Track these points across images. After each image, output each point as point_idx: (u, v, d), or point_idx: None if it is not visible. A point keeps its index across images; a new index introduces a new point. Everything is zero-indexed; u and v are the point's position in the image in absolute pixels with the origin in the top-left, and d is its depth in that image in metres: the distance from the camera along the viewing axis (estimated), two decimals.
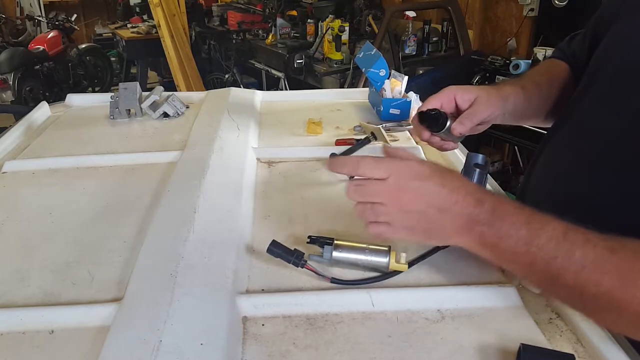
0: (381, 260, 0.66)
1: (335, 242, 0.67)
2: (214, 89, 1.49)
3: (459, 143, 0.92)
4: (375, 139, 1.02)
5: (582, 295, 0.51)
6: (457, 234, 0.57)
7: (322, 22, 3.44)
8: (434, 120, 0.76)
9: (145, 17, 5.17)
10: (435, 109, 0.77)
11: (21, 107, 3.86)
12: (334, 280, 0.65)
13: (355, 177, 0.60)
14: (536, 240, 0.52)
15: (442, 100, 0.78)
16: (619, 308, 0.49)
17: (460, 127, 0.76)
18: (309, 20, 3.70)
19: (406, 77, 1.21)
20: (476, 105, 0.77)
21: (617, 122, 0.70)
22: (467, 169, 0.71)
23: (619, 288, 0.48)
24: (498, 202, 0.55)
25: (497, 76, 2.70)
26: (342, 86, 3.22)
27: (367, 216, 0.59)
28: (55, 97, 4.42)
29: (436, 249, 0.72)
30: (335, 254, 0.66)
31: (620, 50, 0.74)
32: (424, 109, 0.78)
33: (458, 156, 1.00)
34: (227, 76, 4.11)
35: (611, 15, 0.80)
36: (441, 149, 0.83)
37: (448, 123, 0.76)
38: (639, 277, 0.48)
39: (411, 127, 1.17)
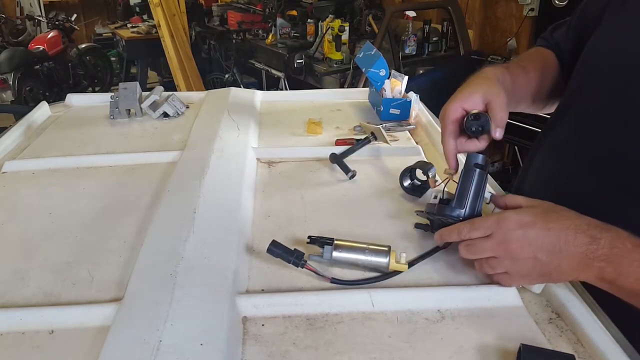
0: (381, 260, 0.66)
1: (335, 242, 0.67)
2: (214, 89, 1.49)
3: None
4: (375, 139, 1.02)
5: None
6: (575, 272, 0.58)
7: (322, 22, 3.44)
8: (481, 127, 0.72)
9: (145, 17, 5.17)
10: (479, 112, 0.72)
11: (21, 107, 3.86)
12: (334, 280, 0.65)
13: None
14: None
15: (474, 105, 0.74)
16: None
17: (499, 133, 0.71)
18: (309, 20, 3.70)
19: (406, 77, 1.21)
20: (497, 109, 0.72)
21: (615, 125, 0.70)
22: (467, 169, 0.71)
23: None
24: (614, 239, 0.56)
25: None
26: (342, 86, 3.21)
27: (486, 270, 0.63)
28: (55, 97, 4.42)
29: (436, 249, 0.72)
30: (335, 254, 0.66)
31: (608, 55, 0.75)
32: (467, 112, 0.73)
33: (458, 156, 1.00)
34: (227, 76, 4.10)
35: (595, 17, 0.81)
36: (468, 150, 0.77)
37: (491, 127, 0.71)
38: None
39: (412, 126, 1.17)
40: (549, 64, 0.91)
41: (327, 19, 3.39)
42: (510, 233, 0.59)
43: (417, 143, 1.10)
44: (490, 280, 0.65)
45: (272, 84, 3.99)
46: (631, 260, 0.55)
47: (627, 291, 0.56)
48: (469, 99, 0.73)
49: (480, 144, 0.74)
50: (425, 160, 0.98)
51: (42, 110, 1.27)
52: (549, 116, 0.93)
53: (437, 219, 0.73)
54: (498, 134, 0.71)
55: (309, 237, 0.69)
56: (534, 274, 0.60)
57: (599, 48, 0.78)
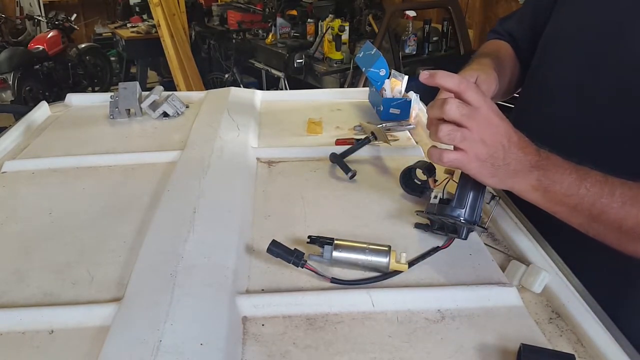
0: (381, 260, 0.66)
1: (335, 242, 0.67)
2: (214, 88, 1.49)
3: None
4: (376, 138, 1.02)
5: (621, 228, 0.59)
6: (515, 175, 0.62)
7: (322, 21, 3.43)
8: None
9: (145, 16, 5.17)
10: None
11: (21, 107, 3.86)
12: (334, 280, 0.65)
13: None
14: (584, 183, 0.60)
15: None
16: None
17: None
18: (309, 19, 3.69)
19: (406, 77, 1.21)
20: (481, 84, 0.80)
21: (586, 113, 0.74)
22: None
23: None
24: (550, 153, 0.62)
25: None
26: (342, 86, 3.21)
27: (452, 137, 0.61)
28: (55, 96, 4.42)
29: (436, 249, 0.72)
30: (335, 254, 0.66)
31: (558, 42, 0.80)
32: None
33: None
34: (226, 76, 4.10)
35: (547, 7, 0.85)
36: None
37: None
38: None
39: (412, 126, 1.17)
40: (509, 54, 0.94)
41: (327, 19, 3.39)
42: (494, 116, 0.61)
43: (417, 143, 1.10)
44: (441, 158, 0.62)
45: (272, 84, 3.99)
46: (563, 169, 0.61)
47: (558, 198, 0.61)
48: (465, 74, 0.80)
49: None
50: (426, 160, 0.98)
51: (42, 110, 1.27)
52: None
53: (437, 219, 0.73)
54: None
55: (309, 237, 0.69)
56: (487, 163, 0.61)
57: (551, 36, 0.83)
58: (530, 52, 0.90)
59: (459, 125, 0.60)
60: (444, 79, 0.61)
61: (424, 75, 0.62)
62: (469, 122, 0.60)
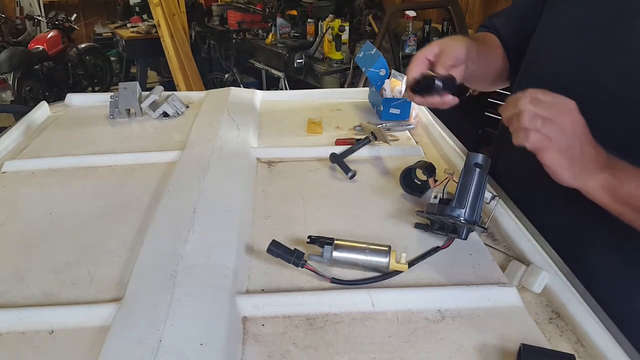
0: (381, 260, 0.66)
1: (335, 242, 0.67)
2: (214, 88, 1.49)
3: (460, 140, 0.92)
4: (376, 138, 1.02)
5: None
6: (589, 171, 0.63)
7: (322, 21, 3.43)
8: (426, 87, 0.79)
9: (145, 16, 5.16)
10: (422, 75, 0.80)
11: (21, 107, 3.86)
12: (334, 280, 0.65)
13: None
14: None
15: (419, 66, 0.82)
16: None
17: (441, 70, 0.79)
18: (309, 19, 3.69)
19: (406, 77, 1.21)
20: (445, 50, 0.81)
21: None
22: (467, 169, 0.71)
23: None
24: (616, 158, 0.64)
25: None
26: (342, 86, 3.21)
27: (537, 124, 0.62)
28: (55, 96, 4.41)
29: (436, 249, 0.72)
30: (335, 254, 0.66)
31: (545, 45, 0.82)
32: (411, 80, 0.82)
33: (458, 156, 1.00)
34: (227, 76, 4.10)
35: (534, 9, 0.86)
36: (444, 104, 0.84)
37: (436, 82, 0.78)
38: None
39: (412, 126, 1.17)
40: (495, 44, 0.96)
41: (327, 19, 3.39)
42: (575, 111, 0.62)
43: (417, 143, 1.10)
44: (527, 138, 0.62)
45: (272, 84, 3.99)
46: (631, 171, 0.62)
47: (625, 199, 0.62)
48: (428, 48, 0.83)
49: (446, 98, 0.80)
50: (426, 160, 0.98)
51: (42, 110, 1.27)
52: None
53: (437, 219, 0.73)
54: (441, 71, 0.79)
55: (309, 237, 0.69)
56: (567, 154, 0.62)
57: (545, 33, 0.84)
58: (515, 52, 0.91)
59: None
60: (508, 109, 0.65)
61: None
62: (550, 111, 0.62)
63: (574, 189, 0.63)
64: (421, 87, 0.80)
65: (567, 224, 0.76)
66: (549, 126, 0.61)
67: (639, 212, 0.62)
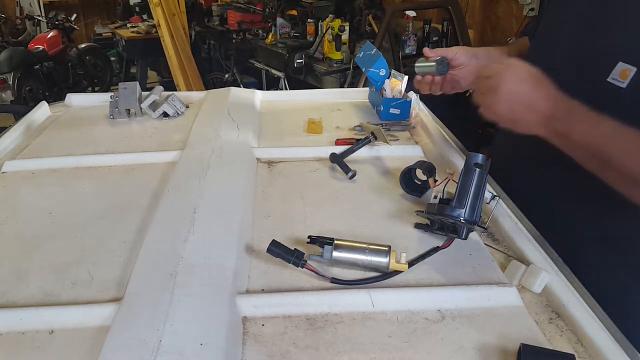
0: (381, 260, 0.66)
1: (335, 242, 0.67)
2: (214, 88, 1.49)
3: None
4: (376, 138, 1.02)
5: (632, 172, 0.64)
6: (534, 127, 0.71)
7: (322, 21, 3.43)
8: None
9: (145, 16, 5.16)
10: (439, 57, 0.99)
11: (21, 107, 3.85)
12: (334, 280, 0.65)
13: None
14: (598, 128, 0.66)
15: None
16: None
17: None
18: (309, 19, 3.69)
19: (406, 77, 1.21)
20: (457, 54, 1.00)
21: None
22: (467, 169, 0.71)
23: None
24: (572, 101, 0.69)
25: None
26: (342, 86, 3.21)
27: (482, 99, 0.76)
28: (55, 96, 4.41)
29: (436, 249, 0.72)
30: (335, 254, 0.66)
31: (540, 46, 0.89)
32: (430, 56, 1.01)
33: (458, 156, 1.00)
34: (227, 76, 4.10)
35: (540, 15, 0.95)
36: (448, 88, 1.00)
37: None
38: None
39: (412, 126, 1.17)
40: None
41: (327, 19, 3.39)
42: (502, 80, 0.73)
43: (417, 143, 1.10)
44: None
45: (272, 84, 3.99)
46: (581, 115, 0.67)
47: (574, 143, 0.68)
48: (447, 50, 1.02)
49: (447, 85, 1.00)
50: (425, 160, 0.98)
51: (42, 110, 1.27)
52: None
53: (437, 219, 0.73)
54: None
55: (309, 237, 0.69)
56: (508, 115, 0.73)
57: (539, 31, 0.92)
58: None
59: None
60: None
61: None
62: (483, 85, 0.76)
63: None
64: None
65: (561, 212, 0.80)
66: (486, 97, 0.75)
67: (587, 154, 0.67)
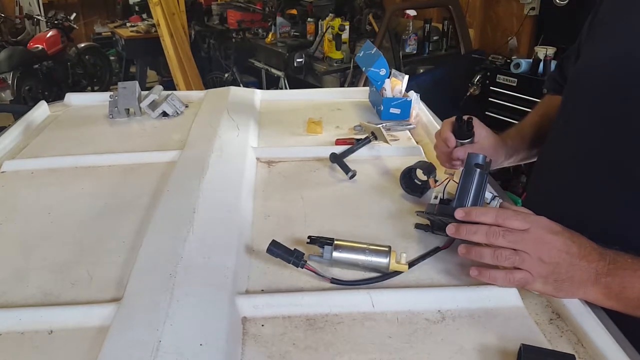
0: (381, 260, 0.66)
1: (335, 242, 0.67)
2: (214, 88, 1.49)
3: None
4: (376, 138, 1.02)
5: None
6: (584, 286, 0.60)
7: (322, 20, 3.43)
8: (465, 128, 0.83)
9: (144, 16, 5.16)
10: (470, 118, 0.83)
11: (20, 107, 3.85)
12: (334, 281, 0.65)
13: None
14: None
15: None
16: None
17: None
18: (309, 19, 3.69)
19: (406, 77, 1.21)
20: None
21: (615, 143, 0.71)
22: (468, 169, 0.71)
23: None
24: (616, 255, 0.61)
25: (497, 75, 2.70)
26: (342, 85, 3.21)
27: (512, 261, 0.61)
28: (54, 96, 4.41)
29: (436, 249, 0.72)
30: (335, 254, 0.66)
31: (593, 74, 0.77)
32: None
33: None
34: (226, 75, 4.09)
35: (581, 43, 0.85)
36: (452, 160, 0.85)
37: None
38: None
39: (412, 126, 1.17)
40: (554, 109, 0.89)
41: (327, 18, 3.39)
42: (546, 234, 0.61)
43: (417, 143, 1.10)
44: (496, 279, 0.62)
45: (272, 83, 3.99)
46: (634, 271, 0.59)
47: (633, 304, 0.59)
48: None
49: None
50: (426, 160, 0.98)
51: (41, 110, 1.27)
52: None
53: (437, 219, 0.73)
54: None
55: (309, 237, 0.69)
56: (550, 279, 0.60)
57: (577, 70, 0.82)
58: None
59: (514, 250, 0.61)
60: (481, 217, 0.63)
61: (460, 214, 0.64)
62: (521, 246, 0.61)
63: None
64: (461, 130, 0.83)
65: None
66: (524, 262, 0.60)
67: None
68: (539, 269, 0.60)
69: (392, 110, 1.19)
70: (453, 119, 0.84)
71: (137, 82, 1.24)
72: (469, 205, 0.68)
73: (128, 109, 1.22)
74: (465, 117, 0.83)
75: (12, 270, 0.69)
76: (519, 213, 0.63)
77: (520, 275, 0.61)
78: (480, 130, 0.85)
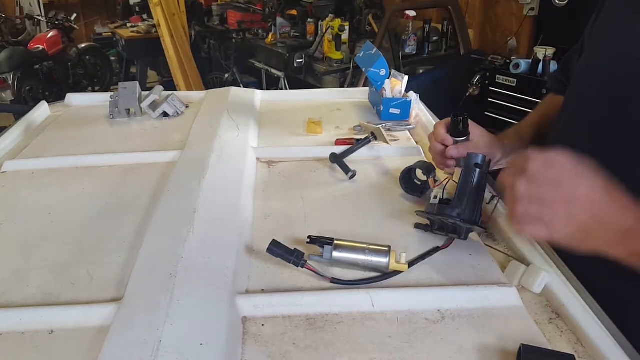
0: (381, 260, 0.66)
1: (335, 242, 0.67)
2: (214, 88, 1.49)
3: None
4: (376, 138, 1.02)
5: None
6: (608, 247, 0.56)
7: (322, 21, 3.43)
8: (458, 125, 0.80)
9: (145, 16, 5.16)
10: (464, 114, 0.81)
11: (21, 107, 3.86)
12: (334, 281, 0.65)
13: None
14: None
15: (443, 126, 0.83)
16: None
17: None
18: (309, 19, 3.69)
19: (406, 77, 1.21)
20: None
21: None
22: (467, 169, 0.71)
23: None
24: None
25: (497, 75, 2.70)
26: (342, 86, 3.21)
27: (533, 211, 0.55)
28: (55, 96, 4.41)
29: (436, 249, 0.72)
30: (335, 254, 0.66)
31: (589, 73, 0.76)
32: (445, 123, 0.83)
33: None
34: (227, 75, 4.10)
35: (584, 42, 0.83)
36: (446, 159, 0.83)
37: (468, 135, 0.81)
38: None
39: (412, 126, 1.17)
40: (556, 109, 0.88)
41: (327, 19, 3.39)
42: (580, 180, 0.54)
43: (417, 143, 1.10)
44: (522, 229, 0.56)
45: (272, 84, 3.99)
46: None
47: None
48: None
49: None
50: (425, 160, 0.98)
51: (42, 110, 1.27)
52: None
53: (437, 219, 0.73)
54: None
55: (309, 237, 0.69)
56: (575, 236, 0.55)
57: (578, 70, 0.81)
58: None
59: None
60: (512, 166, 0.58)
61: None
62: (550, 195, 0.55)
63: None
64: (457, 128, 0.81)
65: None
66: (549, 213, 0.54)
67: None
68: (564, 223, 0.55)
69: (392, 110, 1.19)
70: (446, 120, 0.83)
71: (137, 83, 1.24)
72: (468, 205, 0.68)
73: (128, 109, 1.22)
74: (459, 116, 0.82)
75: (13, 270, 0.69)
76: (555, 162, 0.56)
77: (534, 229, 0.56)
78: (475, 129, 0.85)
